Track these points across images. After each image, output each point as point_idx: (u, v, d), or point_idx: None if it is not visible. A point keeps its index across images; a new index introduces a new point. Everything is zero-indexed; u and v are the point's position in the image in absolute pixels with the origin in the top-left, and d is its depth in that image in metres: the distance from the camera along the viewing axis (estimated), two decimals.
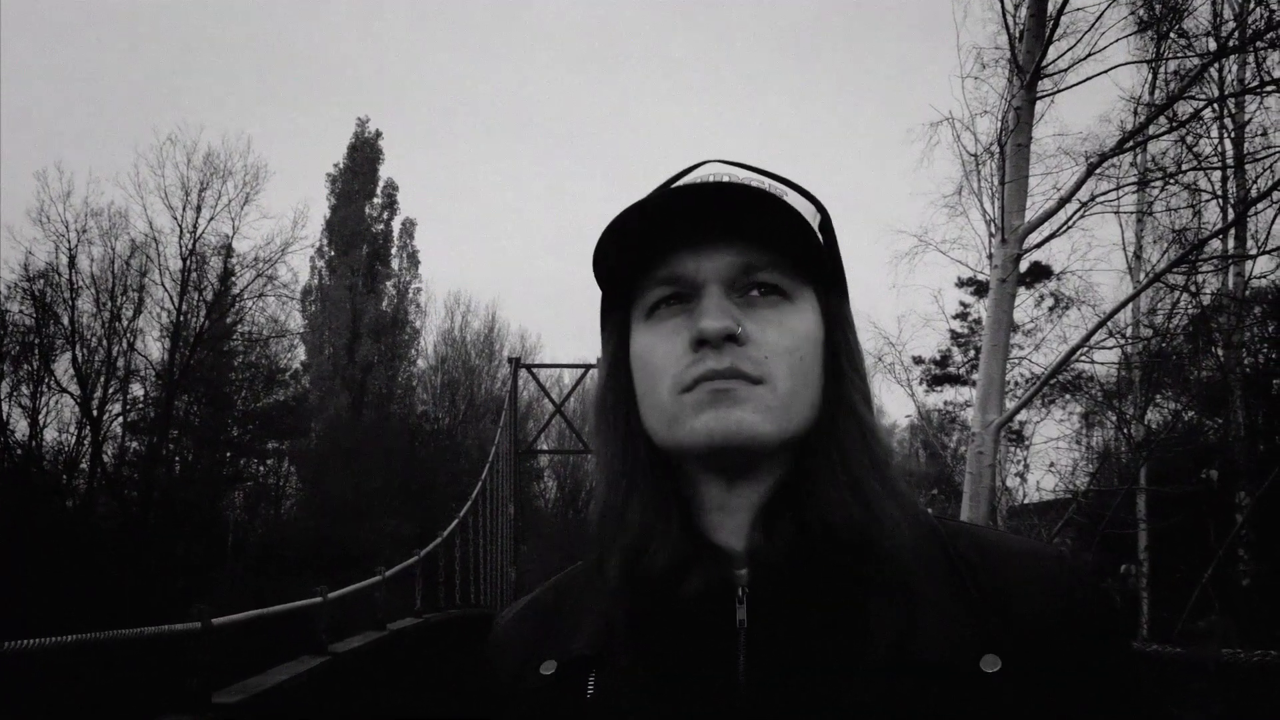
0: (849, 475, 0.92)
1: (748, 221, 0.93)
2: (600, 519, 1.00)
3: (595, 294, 1.06)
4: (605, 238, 0.94)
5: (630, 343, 1.00)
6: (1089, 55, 9.23)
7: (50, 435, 26.18)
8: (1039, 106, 10.04)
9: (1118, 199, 10.34)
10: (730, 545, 0.94)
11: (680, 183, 0.98)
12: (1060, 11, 9.16)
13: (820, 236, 0.97)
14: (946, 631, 0.86)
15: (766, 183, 0.98)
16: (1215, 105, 11.67)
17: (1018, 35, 9.47)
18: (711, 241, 0.94)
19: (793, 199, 0.97)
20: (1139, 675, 0.90)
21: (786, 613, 0.89)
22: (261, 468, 34.76)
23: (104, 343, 26.77)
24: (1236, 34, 9.66)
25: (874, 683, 0.83)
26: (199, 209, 28.29)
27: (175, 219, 28.19)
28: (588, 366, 36.50)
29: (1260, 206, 10.63)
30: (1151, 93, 11.00)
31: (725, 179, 0.95)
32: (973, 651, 0.84)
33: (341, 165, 46.09)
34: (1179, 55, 10.53)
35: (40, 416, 25.56)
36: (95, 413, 25.86)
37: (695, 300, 0.93)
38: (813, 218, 0.99)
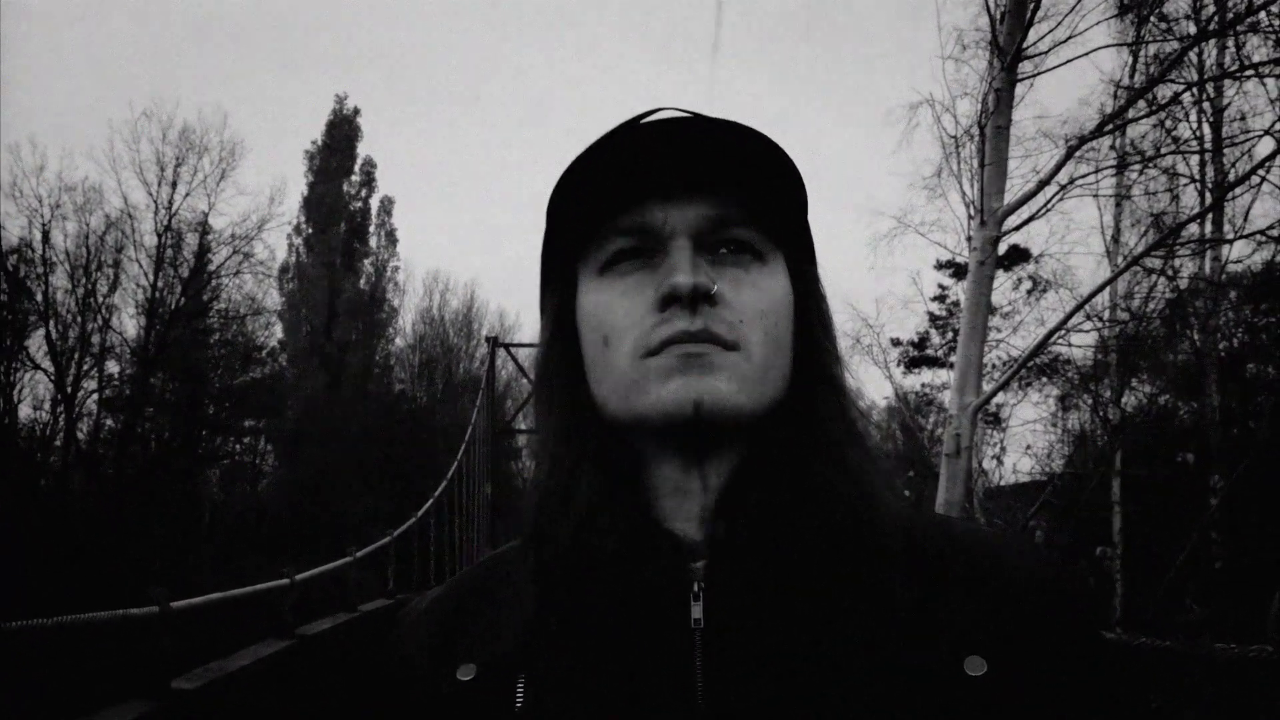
0: (831, 449, 0.86)
1: (727, 168, 0.85)
2: (540, 500, 0.89)
3: None
4: (567, 178, 0.86)
5: (578, 300, 0.90)
6: (1070, 38, 9.24)
7: (24, 412, 25.98)
8: (1019, 89, 10.04)
9: (1096, 182, 10.37)
10: (686, 534, 0.85)
11: (652, 119, 0.86)
12: None
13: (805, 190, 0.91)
14: (926, 631, 0.78)
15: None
16: (1194, 89, 11.66)
17: (999, 17, 9.46)
18: (683, 189, 0.86)
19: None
20: (1121, 671, 0.83)
21: (749, 611, 0.79)
22: (238, 446, 34.58)
23: (78, 319, 26.54)
24: (1216, 18, 9.66)
25: (849, 690, 0.74)
26: (174, 185, 28.11)
27: (150, 194, 27.98)
28: None
29: (1238, 191, 10.67)
30: (1131, 76, 10.97)
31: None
32: (955, 653, 0.77)
33: (319, 142, 45.78)
34: (1159, 39, 10.52)
35: (14, 393, 25.33)
36: (70, 390, 25.65)
37: (660, 255, 0.85)
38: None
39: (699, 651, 0.78)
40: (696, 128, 0.83)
